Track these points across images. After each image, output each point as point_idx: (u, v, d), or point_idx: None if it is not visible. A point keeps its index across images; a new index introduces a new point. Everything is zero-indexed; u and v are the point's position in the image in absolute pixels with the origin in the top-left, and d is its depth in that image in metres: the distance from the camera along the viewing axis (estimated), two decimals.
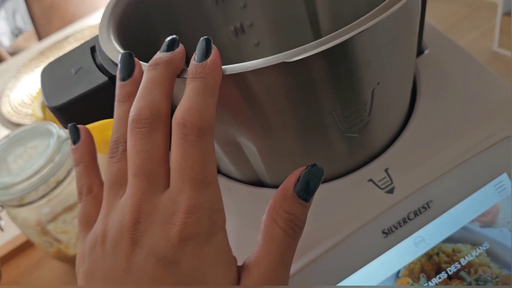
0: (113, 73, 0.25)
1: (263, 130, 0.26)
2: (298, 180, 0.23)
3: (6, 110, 0.83)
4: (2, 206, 0.46)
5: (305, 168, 0.23)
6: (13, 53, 1.48)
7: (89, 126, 0.55)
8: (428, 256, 0.29)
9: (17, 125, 0.77)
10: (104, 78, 0.24)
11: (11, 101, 0.85)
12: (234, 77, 0.22)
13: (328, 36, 0.21)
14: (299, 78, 0.22)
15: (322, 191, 0.29)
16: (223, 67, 0.23)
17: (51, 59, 0.93)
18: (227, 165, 0.30)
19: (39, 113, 0.61)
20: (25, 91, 0.86)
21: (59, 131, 0.46)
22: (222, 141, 0.28)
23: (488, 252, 0.30)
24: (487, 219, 0.30)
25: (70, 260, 0.50)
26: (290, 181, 0.23)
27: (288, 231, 0.22)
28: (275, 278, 0.22)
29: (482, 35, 0.70)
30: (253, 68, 0.21)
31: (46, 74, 0.27)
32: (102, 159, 0.66)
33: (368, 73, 0.24)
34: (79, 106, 0.24)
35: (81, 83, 0.24)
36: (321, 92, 0.24)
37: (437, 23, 0.76)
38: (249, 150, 0.28)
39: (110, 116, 0.26)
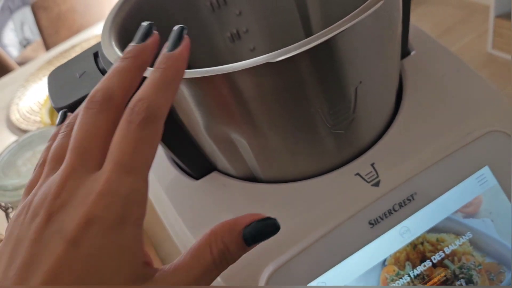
0: None
1: (254, 127, 0.28)
2: (251, 223, 0.23)
3: (15, 117, 0.85)
4: (12, 207, 0.48)
5: (265, 218, 0.23)
6: (21, 63, 1.52)
7: None
8: (413, 245, 0.30)
9: (26, 132, 0.80)
10: None
11: (19, 109, 0.87)
12: (224, 77, 0.24)
13: (310, 37, 0.23)
14: (284, 77, 0.24)
15: (312, 184, 0.31)
16: (216, 68, 0.24)
17: None
18: (223, 162, 0.32)
19: (46, 119, 0.64)
20: (33, 99, 0.89)
21: None
22: (217, 138, 0.30)
23: (471, 241, 0.31)
24: (470, 210, 0.31)
25: None
26: (245, 219, 0.23)
27: (217, 261, 0.22)
28: None
29: (477, 38, 0.72)
30: (241, 69, 0.23)
31: (53, 78, 0.29)
32: None
33: (350, 72, 0.26)
34: None
35: (85, 86, 0.27)
36: (306, 90, 0.26)
37: (434, 27, 0.78)
38: (242, 147, 0.30)
39: None
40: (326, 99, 0.27)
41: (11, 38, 2.12)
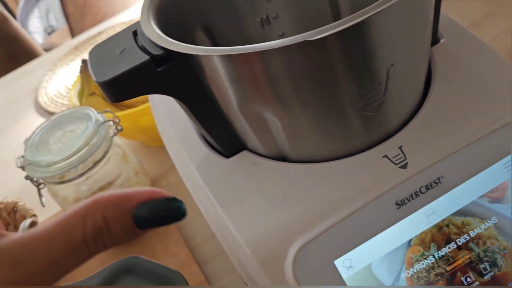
0: (154, 53, 0.28)
1: (286, 106, 0.29)
2: (149, 200, 0.18)
3: (43, 100, 0.87)
4: (44, 183, 0.49)
5: (169, 198, 0.18)
6: (47, 49, 1.54)
7: (122, 113, 0.58)
8: (439, 227, 0.31)
9: (53, 114, 0.82)
10: (145, 57, 0.27)
11: (47, 93, 0.89)
12: (260, 54, 0.25)
13: (346, 18, 0.24)
14: (319, 57, 0.25)
15: (341, 165, 0.32)
16: (251, 45, 0.25)
17: (85, 53, 0.98)
18: (254, 141, 0.33)
19: (75, 101, 0.65)
20: (61, 83, 0.91)
21: (96, 115, 0.50)
22: (249, 117, 0.30)
23: (496, 226, 0.32)
24: (496, 195, 0.32)
25: None
26: (141, 194, 0.18)
27: (89, 239, 0.16)
28: (31, 270, 0.16)
29: (504, 32, 0.71)
30: (277, 46, 0.24)
31: (94, 54, 0.30)
32: (135, 146, 0.69)
33: (382, 54, 0.27)
34: (124, 81, 0.27)
35: (126, 61, 0.27)
36: (339, 70, 0.26)
37: (462, 20, 0.77)
38: (274, 126, 0.30)
39: (152, 91, 0.29)
40: (358, 80, 0.27)
41: (36, 25, 2.16)
